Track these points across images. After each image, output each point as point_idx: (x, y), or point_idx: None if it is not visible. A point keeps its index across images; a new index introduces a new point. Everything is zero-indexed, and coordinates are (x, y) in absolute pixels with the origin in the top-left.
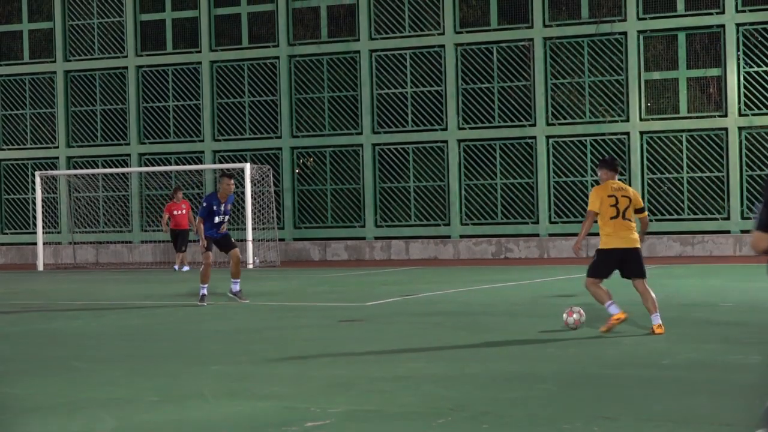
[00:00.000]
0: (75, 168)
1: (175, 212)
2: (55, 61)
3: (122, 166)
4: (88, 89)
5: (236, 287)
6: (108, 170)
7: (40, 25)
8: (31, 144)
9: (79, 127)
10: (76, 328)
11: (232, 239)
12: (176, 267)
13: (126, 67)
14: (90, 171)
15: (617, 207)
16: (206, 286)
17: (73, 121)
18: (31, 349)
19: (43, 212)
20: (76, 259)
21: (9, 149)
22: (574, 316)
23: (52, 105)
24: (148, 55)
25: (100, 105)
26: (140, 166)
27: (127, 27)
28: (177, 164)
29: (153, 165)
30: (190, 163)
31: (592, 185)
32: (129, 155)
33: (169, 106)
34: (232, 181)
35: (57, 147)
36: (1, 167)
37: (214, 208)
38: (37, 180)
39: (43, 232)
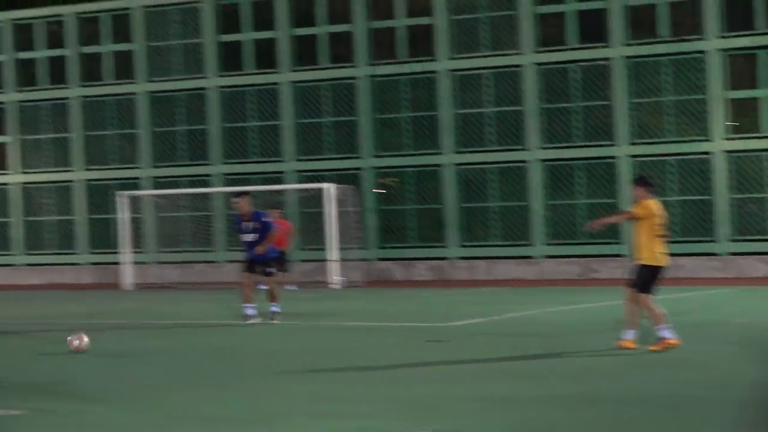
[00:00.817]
0: (159, 188)
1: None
2: (137, 83)
3: (205, 186)
4: (170, 110)
5: (274, 308)
6: (191, 190)
7: (121, 47)
8: (115, 164)
9: (162, 148)
10: (163, 347)
11: (274, 265)
12: (287, 286)
13: (206, 88)
14: (173, 191)
15: (662, 226)
16: (250, 305)
17: (156, 141)
18: (120, 370)
19: (127, 232)
20: (161, 278)
21: (93, 169)
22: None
23: (136, 126)
24: (228, 75)
25: (182, 125)
26: (222, 185)
27: (207, 48)
28: (258, 184)
29: (235, 185)
30: (271, 183)
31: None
32: (211, 175)
33: (250, 126)
34: (237, 200)
35: (140, 167)
36: (86, 187)
37: (237, 226)
38: (122, 200)
39: (128, 252)
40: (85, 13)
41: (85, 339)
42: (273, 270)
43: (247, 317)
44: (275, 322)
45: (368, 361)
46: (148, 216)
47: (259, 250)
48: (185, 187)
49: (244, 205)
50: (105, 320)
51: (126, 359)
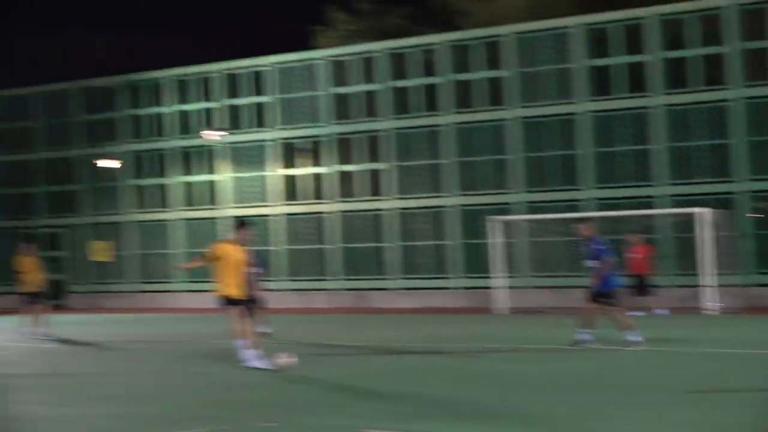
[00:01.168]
0: (530, 213)
1: (631, 255)
2: (508, 109)
3: (576, 211)
4: (541, 135)
5: (629, 337)
6: (562, 215)
7: (493, 74)
8: (486, 190)
9: (533, 173)
10: (532, 371)
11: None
12: (657, 311)
13: (576, 113)
14: (545, 216)
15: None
16: (584, 331)
17: (528, 166)
18: (489, 390)
19: (500, 256)
20: (534, 303)
21: (467, 195)
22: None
23: (507, 151)
24: (599, 100)
25: (553, 150)
26: (594, 210)
27: (577, 72)
28: (629, 209)
29: (606, 209)
30: (642, 208)
31: None
32: (582, 200)
33: (621, 150)
34: (580, 226)
35: (512, 192)
36: (460, 212)
37: (584, 251)
38: (494, 225)
39: (501, 276)
40: (457, 41)
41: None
42: (613, 300)
43: (575, 342)
44: (631, 349)
45: (746, 388)
46: (520, 240)
47: (593, 281)
48: (556, 211)
49: (584, 231)
50: (480, 343)
51: (491, 380)
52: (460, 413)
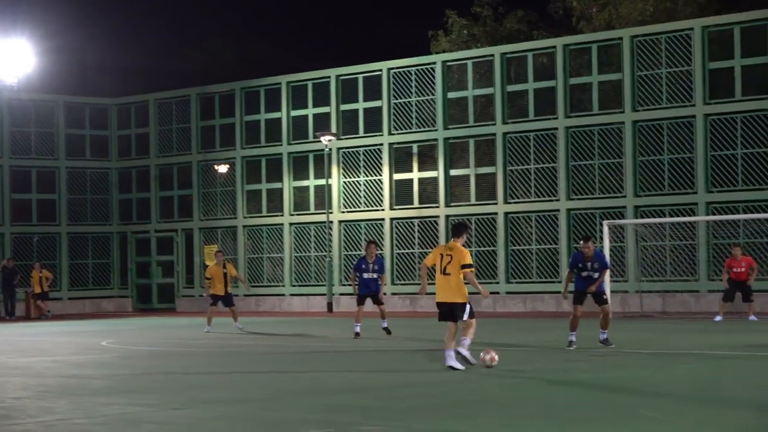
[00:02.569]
0: (642, 217)
1: (734, 269)
2: (623, 112)
3: (689, 215)
4: (655, 138)
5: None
6: (675, 219)
7: (609, 77)
8: (599, 194)
9: (646, 176)
10: (644, 377)
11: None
12: (752, 317)
13: (694, 116)
14: (657, 220)
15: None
16: (604, 332)
17: (641, 170)
18: (600, 395)
19: (610, 261)
20: (643, 307)
21: (578, 199)
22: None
23: (620, 155)
24: (716, 103)
25: (667, 154)
26: (708, 214)
27: (696, 75)
28: (745, 212)
29: (720, 213)
30: (757, 212)
31: None
32: (696, 204)
33: (737, 153)
34: (588, 243)
35: (624, 196)
36: (570, 216)
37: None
38: (605, 229)
39: (610, 280)
40: (574, 44)
41: (493, 355)
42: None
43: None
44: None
45: None
46: (631, 245)
47: (591, 288)
48: (670, 216)
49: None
50: (589, 348)
51: (601, 385)
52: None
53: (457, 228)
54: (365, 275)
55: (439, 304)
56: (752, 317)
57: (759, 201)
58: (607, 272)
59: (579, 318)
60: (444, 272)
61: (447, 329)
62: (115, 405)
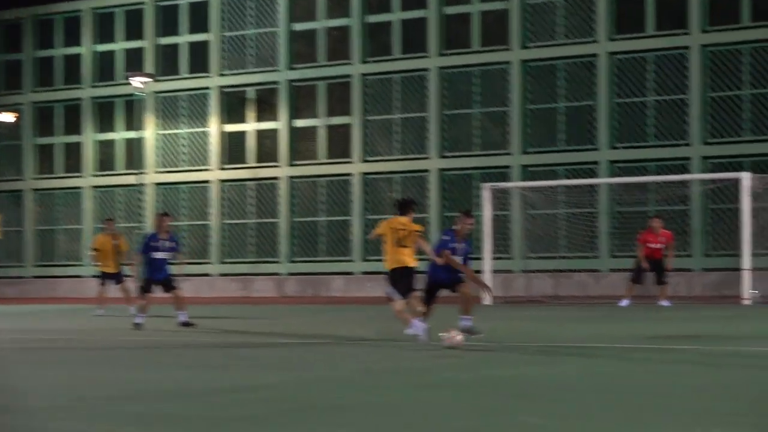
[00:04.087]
0: (530, 179)
1: (650, 245)
2: (510, 49)
3: (589, 176)
4: (548, 82)
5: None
6: (571, 181)
7: (493, 5)
8: (479, 150)
9: (537, 130)
10: (530, 376)
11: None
12: (663, 302)
13: (596, 54)
14: (549, 183)
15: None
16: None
17: (530, 122)
18: (477, 399)
19: (492, 234)
20: (531, 290)
21: (453, 157)
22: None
23: (506, 103)
24: (622, 39)
25: (563, 102)
26: (611, 175)
27: (598, 5)
28: (657, 173)
29: (627, 175)
30: (672, 172)
31: None
32: (597, 163)
33: (647, 101)
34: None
35: (510, 154)
36: (443, 178)
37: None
38: (485, 194)
39: (491, 258)
40: None
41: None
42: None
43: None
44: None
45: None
46: (516, 214)
47: (439, 261)
48: (564, 177)
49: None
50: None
51: (476, 388)
52: None
53: (406, 205)
54: (157, 255)
55: (401, 269)
56: (664, 302)
57: (673, 160)
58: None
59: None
60: (401, 245)
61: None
62: None
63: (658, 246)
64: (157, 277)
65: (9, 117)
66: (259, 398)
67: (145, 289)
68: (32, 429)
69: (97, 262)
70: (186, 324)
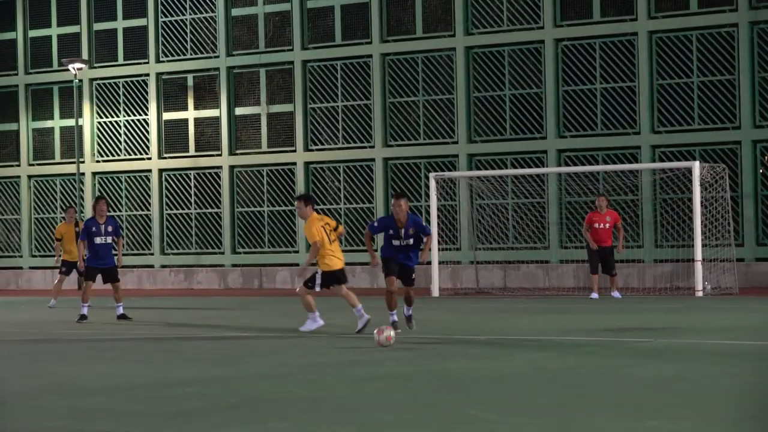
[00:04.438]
0: (478, 168)
1: (596, 225)
2: (454, 35)
3: (537, 165)
4: (495, 69)
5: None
6: (519, 171)
7: None
8: (424, 139)
9: (483, 118)
10: (477, 370)
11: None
12: (615, 293)
13: (542, 41)
14: (496, 172)
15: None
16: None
17: (477, 109)
18: (423, 393)
19: (438, 224)
20: (479, 282)
21: (398, 145)
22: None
23: (451, 90)
24: (569, 25)
25: (509, 89)
26: (559, 165)
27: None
28: (605, 162)
29: (575, 164)
30: (621, 162)
31: None
32: (546, 152)
33: (595, 89)
34: (401, 201)
35: (456, 142)
36: (388, 167)
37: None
38: (432, 183)
39: (438, 249)
40: None
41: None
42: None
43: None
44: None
45: (739, 395)
46: (464, 204)
47: (422, 258)
48: (512, 166)
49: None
50: (408, 334)
51: (424, 382)
52: None
53: (309, 199)
54: (98, 240)
55: (339, 271)
56: (615, 293)
57: (621, 149)
58: (433, 239)
59: (395, 293)
60: (332, 242)
61: (343, 291)
62: None
63: (604, 226)
64: (100, 264)
65: None
66: (199, 393)
67: (87, 276)
68: None
69: (59, 252)
70: (123, 317)
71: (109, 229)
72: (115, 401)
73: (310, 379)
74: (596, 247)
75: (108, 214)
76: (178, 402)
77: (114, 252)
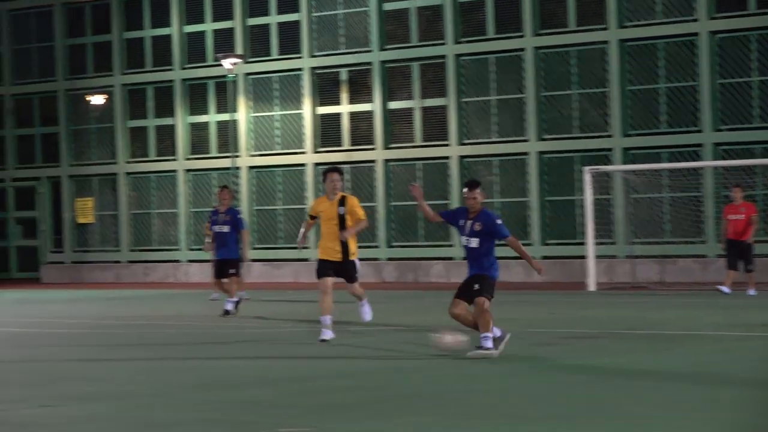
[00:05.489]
0: (633, 161)
1: (730, 216)
2: (607, 28)
3: (693, 159)
4: (648, 62)
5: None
6: (675, 165)
7: None
8: (579, 133)
9: (638, 111)
10: (633, 365)
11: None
12: (751, 291)
13: (697, 34)
14: (652, 166)
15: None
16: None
17: (632, 102)
18: (576, 388)
19: (594, 218)
20: (635, 276)
21: (552, 139)
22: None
23: (605, 83)
24: (724, 17)
25: (664, 82)
26: (716, 158)
27: None
28: (763, 156)
29: (732, 158)
30: None
31: None
32: (702, 145)
33: (752, 82)
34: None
35: (611, 136)
36: (542, 161)
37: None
38: (586, 177)
39: (594, 243)
40: None
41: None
42: None
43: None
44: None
45: None
46: (619, 198)
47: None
48: (667, 160)
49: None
50: (561, 329)
51: (584, 376)
52: None
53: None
54: (215, 229)
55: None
56: (751, 291)
57: None
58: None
59: (461, 315)
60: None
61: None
62: None
63: (741, 217)
64: (216, 255)
65: (99, 99)
66: (350, 386)
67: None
68: (120, 417)
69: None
70: (228, 312)
71: (227, 218)
72: (268, 393)
73: (463, 374)
74: (723, 245)
75: (232, 205)
76: (331, 394)
77: (237, 246)
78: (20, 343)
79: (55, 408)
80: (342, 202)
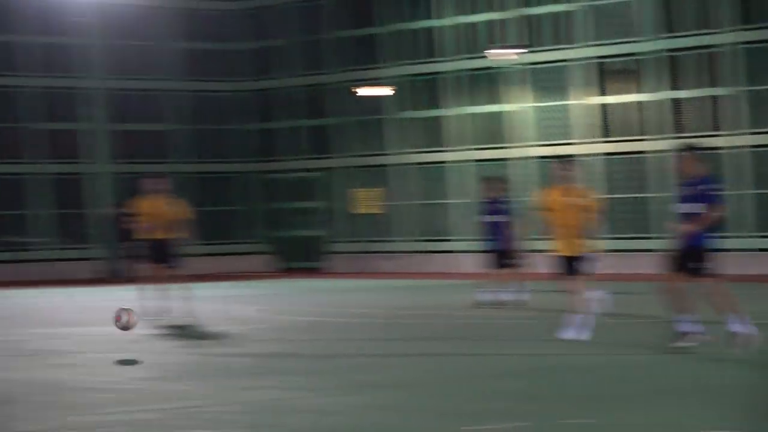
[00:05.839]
0: None
1: None
2: None
3: None
4: None
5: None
6: None
7: None
8: None
9: None
10: None
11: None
12: None
13: None
14: None
15: None
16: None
17: None
18: None
19: None
20: None
21: None
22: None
23: None
24: None
25: None
26: None
27: None
28: None
29: None
30: None
31: None
32: None
33: None
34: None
35: None
36: None
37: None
38: None
39: None
40: None
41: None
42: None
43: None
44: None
45: None
46: None
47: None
48: None
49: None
50: None
51: None
52: None
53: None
54: (482, 219)
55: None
56: None
57: None
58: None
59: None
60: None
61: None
62: (257, 389)
63: None
64: (486, 247)
65: (381, 91)
66: (625, 377)
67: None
68: (409, 407)
69: None
70: (500, 303)
71: (494, 208)
72: (527, 383)
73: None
74: None
75: (502, 195)
76: (586, 387)
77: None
78: (316, 333)
79: (343, 397)
80: None
